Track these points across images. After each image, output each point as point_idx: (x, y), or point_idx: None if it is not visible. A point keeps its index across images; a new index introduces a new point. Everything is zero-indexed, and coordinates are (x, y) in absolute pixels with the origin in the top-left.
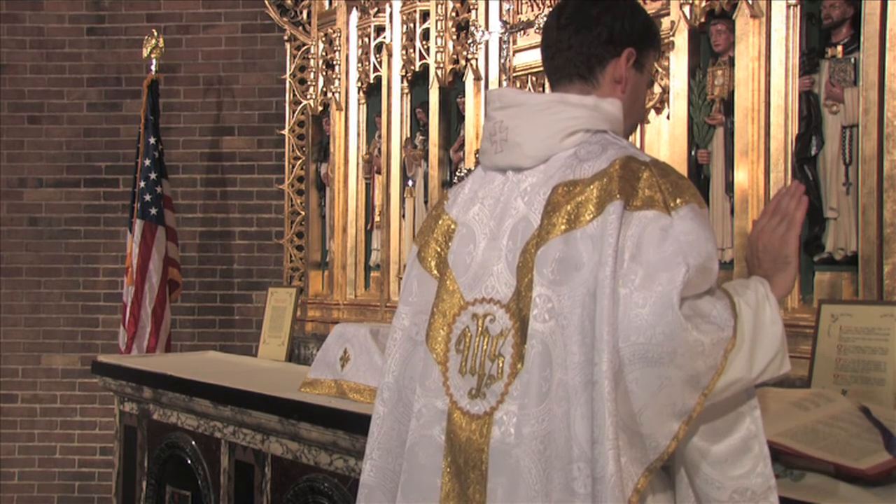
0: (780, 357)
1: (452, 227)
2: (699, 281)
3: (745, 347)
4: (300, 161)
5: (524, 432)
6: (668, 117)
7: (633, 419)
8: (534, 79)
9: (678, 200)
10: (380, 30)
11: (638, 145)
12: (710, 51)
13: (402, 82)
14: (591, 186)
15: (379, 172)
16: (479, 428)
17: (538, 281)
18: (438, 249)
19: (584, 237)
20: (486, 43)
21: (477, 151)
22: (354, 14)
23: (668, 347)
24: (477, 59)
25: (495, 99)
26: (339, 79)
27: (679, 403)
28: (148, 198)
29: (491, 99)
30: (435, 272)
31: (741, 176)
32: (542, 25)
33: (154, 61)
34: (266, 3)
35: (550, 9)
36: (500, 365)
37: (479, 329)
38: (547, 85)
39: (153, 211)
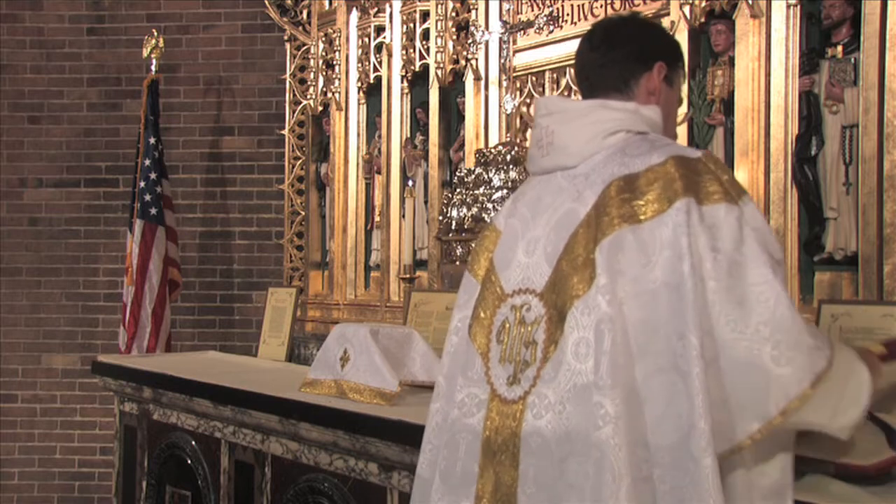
0: (858, 423)
1: (496, 234)
2: (781, 274)
3: (835, 388)
4: (300, 161)
5: (554, 413)
6: None
7: (718, 406)
8: (534, 79)
9: (739, 191)
10: (380, 30)
11: None
12: (710, 51)
13: (402, 82)
14: (654, 183)
15: (379, 172)
16: (514, 412)
17: (602, 271)
18: (485, 257)
19: (651, 231)
20: (486, 43)
21: (478, 151)
22: (354, 14)
23: (773, 341)
24: (477, 59)
25: (542, 106)
26: (339, 79)
27: (762, 404)
28: (148, 198)
29: (538, 107)
30: (479, 276)
31: (741, 176)
32: (576, 52)
33: (154, 61)
34: (266, 3)
35: (549, 10)
36: (534, 351)
37: (517, 319)
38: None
39: (153, 211)
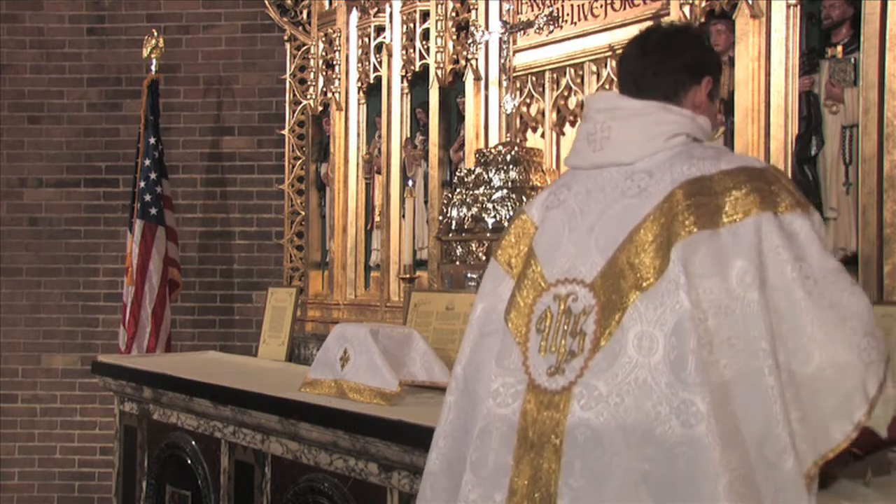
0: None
1: (530, 223)
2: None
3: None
4: (300, 161)
5: (606, 405)
6: None
7: (815, 409)
8: (534, 79)
9: (805, 199)
10: (380, 30)
11: None
12: None
13: (402, 82)
14: (730, 191)
15: (379, 172)
16: (556, 403)
17: (680, 270)
18: (514, 247)
19: (730, 238)
20: (486, 43)
21: (478, 151)
22: (354, 14)
23: (865, 341)
24: (477, 59)
25: (599, 101)
26: (339, 79)
27: (852, 406)
28: (148, 198)
29: (594, 101)
30: (507, 268)
31: None
32: (621, 54)
33: (154, 61)
34: (266, 3)
35: (549, 10)
36: (581, 341)
37: (562, 309)
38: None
39: (153, 211)
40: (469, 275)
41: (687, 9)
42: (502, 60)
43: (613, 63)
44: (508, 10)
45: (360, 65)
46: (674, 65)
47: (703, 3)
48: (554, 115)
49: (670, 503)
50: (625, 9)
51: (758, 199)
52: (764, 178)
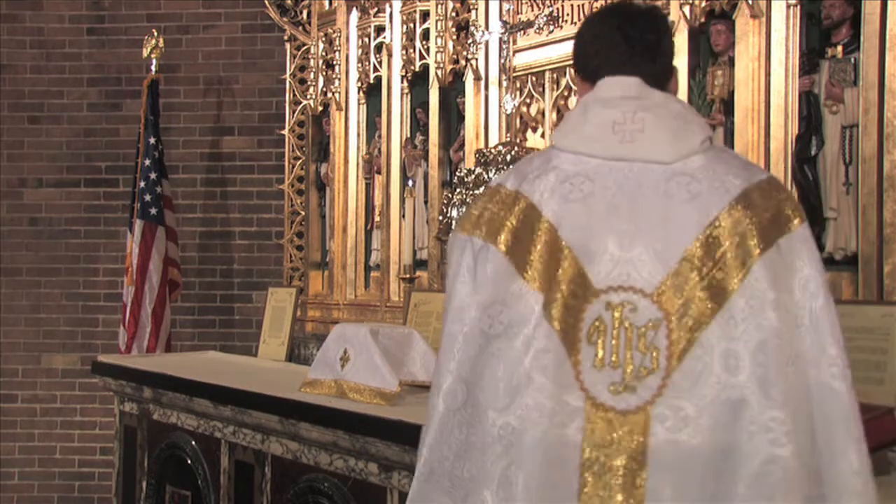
0: None
1: (536, 211)
2: None
3: None
4: (300, 161)
5: (695, 427)
6: None
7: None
8: (534, 79)
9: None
10: (380, 30)
11: None
12: (710, 51)
13: (402, 82)
14: (770, 209)
15: (379, 172)
16: (634, 424)
17: (769, 286)
18: (514, 233)
19: (790, 249)
20: (486, 43)
21: (478, 151)
22: (354, 14)
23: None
24: (477, 59)
25: (622, 87)
26: (339, 79)
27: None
28: (148, 198)
29: (618, 85)
30: (508, 256)
31: None
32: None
33: (154, 61)
34: (266, 3)
35: (549, 10)
36: (655, 356)
37: (617, 319)
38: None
39: (153, 211)
40: None
41: (687, 9)
42: (502, 60)
43: None
44: (508, 10)
45: (360, 65)
46: (667, 48)
47: (703, 3)
48: (554, 115)
49: None
50: None
51: (791, 211)
52: (783, 188)
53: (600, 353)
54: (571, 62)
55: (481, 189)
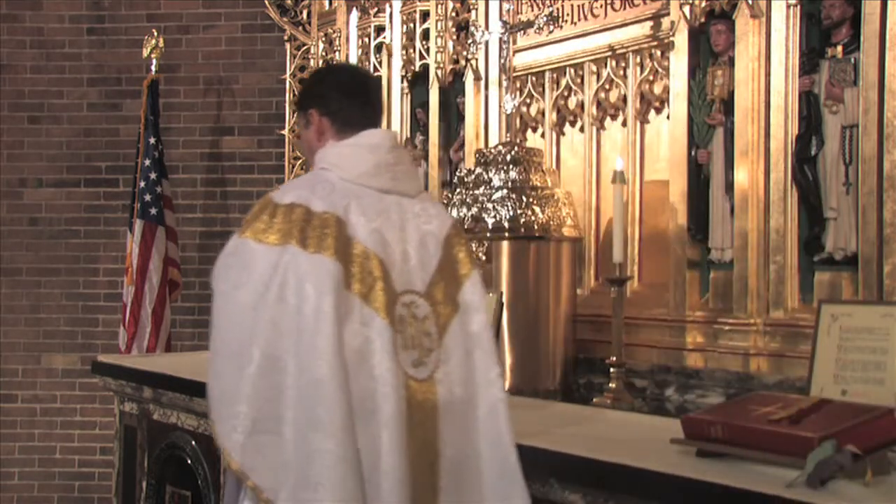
0: None
1: (339, 222)
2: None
3: None
4: (300, 161)
5: (454, 383)
6: (667, 117)
7: None
8: (534, 79)
9: None
10: (380, 30)
11: (638, 147)
12: (710, 51)
13: (402, 82)
14: (463, 239)
15: None
16: (429, 388)
17: (480, 297)
18: (324, 240)
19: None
20: (486, 43)
21: (478, 151)
22: (354, 14)
23: None
24: (477, 59)
25: (382, 137)
26: None
27: None
28: (148, 198)
29: (380, 138)
30: (338, 259)
31: (741, 176)
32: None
33: (154, 61)
34: (266, 3)
35: (549, 10)
36: (431, 339)
37: (410, 313)
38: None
39: (153, 211)
40: None
41: (687, 9)
42: (502, 60)
43: (613, 63)
44: (508, 10)
45: (359, 65)
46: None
47: (703, 3)
48: (554, 115)
49: None
50: (625, 9)
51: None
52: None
53: (405, 339)
54: None
55: (481, 189)
